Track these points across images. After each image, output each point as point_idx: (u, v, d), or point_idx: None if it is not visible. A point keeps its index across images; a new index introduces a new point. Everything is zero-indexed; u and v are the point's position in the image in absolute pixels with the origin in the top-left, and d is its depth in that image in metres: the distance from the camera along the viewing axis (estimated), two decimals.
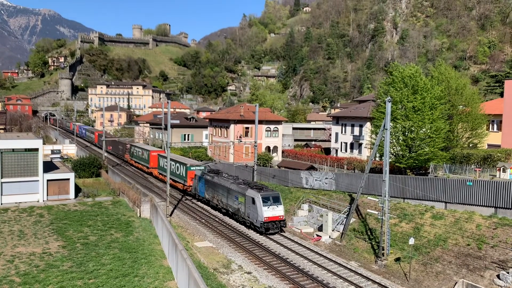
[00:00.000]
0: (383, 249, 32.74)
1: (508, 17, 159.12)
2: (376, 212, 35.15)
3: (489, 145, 52.73)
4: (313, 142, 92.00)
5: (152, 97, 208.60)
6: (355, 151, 67.52)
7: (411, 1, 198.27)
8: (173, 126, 79.05)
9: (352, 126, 68.55)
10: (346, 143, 70.20)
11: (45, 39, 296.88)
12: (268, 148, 76.36)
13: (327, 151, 77.10)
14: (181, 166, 55.49)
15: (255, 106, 52.60)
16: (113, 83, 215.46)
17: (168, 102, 48.61)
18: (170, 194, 47.86)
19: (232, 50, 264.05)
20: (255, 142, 50.77)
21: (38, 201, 43.57)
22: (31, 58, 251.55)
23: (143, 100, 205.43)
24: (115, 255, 29.34)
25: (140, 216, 40.07)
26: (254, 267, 30.34)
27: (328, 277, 28.83)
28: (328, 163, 62.43)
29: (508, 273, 26.32)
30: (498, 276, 26.83)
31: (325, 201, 43.46)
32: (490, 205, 32.64)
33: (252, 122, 66.49)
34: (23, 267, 26.84)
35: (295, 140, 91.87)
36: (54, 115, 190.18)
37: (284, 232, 39.57)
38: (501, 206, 31.88)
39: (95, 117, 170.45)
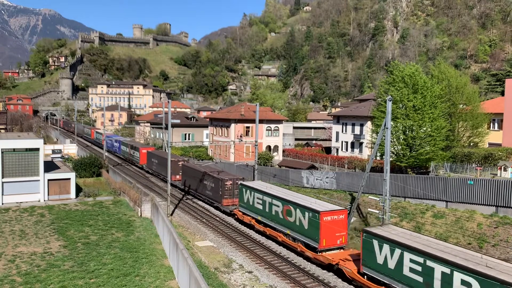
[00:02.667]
0: None
1: (509, 15, 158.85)
2: (377, 211, 35.13)
3: (490, 144, 52.69)
4: (313, 141, 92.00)
5: (153, 96, 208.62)
6: (356, 150, 67.49)
7: (411, 0, 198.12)
8: (174, 125, 79.06)
9: (353, 125, 68.51)
10: (346, 142, 70.16)
11: (45, 39, 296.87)
12: (268, 147, 76.36)
13: (328, 150, 77.09)
14: None
15: (256, 105, 52.56)
16: (113, 82, 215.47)
17: (168, 102, 48.60)
18: (171, 194, 47.86)
19: (232, 49, 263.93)
20: (255, 141, 50.74)
21: (39, 201, 43.63)
22: (32, 58, 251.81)
23: (143, 99, 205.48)
24: (116, 254, 29.36)
25: (141, 215, 40.10)
26: (255, 266, 30.34)
27: (329, 277, 28.82)
28: (329, 162, 62.41)
29: None
30: None
31: (326, 200, 43.43)
32: (491, 204, 32.63)
33: (253, 121, 66.47)
34: (24, 266, 26.87)
35: (296, 139, 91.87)
36: (54, 115, 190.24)
37: None
38: (502, 205, 31.87)
39: (95, 117, 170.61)
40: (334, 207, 32.01)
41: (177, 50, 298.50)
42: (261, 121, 71.33)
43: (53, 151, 77.33)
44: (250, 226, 38.90)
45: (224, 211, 44.23)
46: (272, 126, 77.01)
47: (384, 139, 33.77)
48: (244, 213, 40.02)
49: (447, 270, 20.36)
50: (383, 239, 24.36)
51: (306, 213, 31.00)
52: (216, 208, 45.80)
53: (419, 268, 21.89)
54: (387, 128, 32.36)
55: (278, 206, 34.36)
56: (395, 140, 42.82)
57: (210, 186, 46.28)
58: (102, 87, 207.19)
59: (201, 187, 48.64)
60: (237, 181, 43.24)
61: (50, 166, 48.90)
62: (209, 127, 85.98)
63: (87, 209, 41.32)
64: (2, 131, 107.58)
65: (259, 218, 37.11)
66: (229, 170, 58.66)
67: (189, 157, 72.21)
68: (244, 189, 40.15)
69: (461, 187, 34.65)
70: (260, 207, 36.97)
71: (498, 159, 42.16)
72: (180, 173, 56.44)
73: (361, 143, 66.57)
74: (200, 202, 50.13)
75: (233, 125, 73.88)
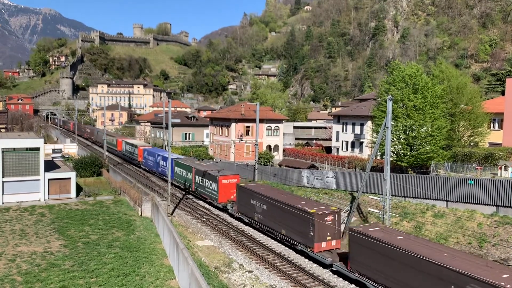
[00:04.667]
0: None
1: (510, 15, 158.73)
2: (377, 211, 35.11)
3: (490, 144, 52.66)
4: (314, 141, 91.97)
5: (153, 96, 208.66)
6: (356, 150, 67.46)
7: None
8: (174, 125, 79.01)
9: (353, 124, 68.47)
10: (347, 142, 70.12)
11: (46, 39, 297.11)
12: (269, 147, 76.34)
13: (328, 149, 77.05)
14: None
15: (256, 105, 52.56)
16: (114, 82, 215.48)
17: (169, 101, 48.63)
18: (171, 193, 47.85)
19: (233, 49, 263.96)
20: (256, 141, 50.75)
21: (39, 200, 43.64)
22: (32, 58, 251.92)
23: (144, 99, 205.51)
24: (116, 254, 29.37)
25: (141, 215, 40.10)
26: (256, 266, 30.34)
27: (329, 276, 28.82)
28: (329, 161, 62.38)
29: None
30: None
31: (326, 200, 43.41)
32: (491, 203, 32.59)
33: (253, 121, 66.46)
34: (24, 266, 26.88)
35: (296, 139, 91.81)
36: (55, 114, 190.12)
37: None
38: (502, 204, 31.84)
39: (96, 116, 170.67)
40: None
41: (177, 49, 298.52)
42: (261, 121, 71.29)
43: (54, 151, 77.28)
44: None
45: None
46: (273, 125, 76.98)
47: (385, 139, 33.73)
48: None
49: None
50: None
51: None
52: None
53: None
54: (388, 127, 32.31)
55: None
56: (395, 139, 42.76)
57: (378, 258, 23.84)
58: (102, 87, 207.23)
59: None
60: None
61: (50, 166, 48.90)
62: (209, 126, 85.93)
63: (88, 209, 41.32)
64: (3, 130, 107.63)
65: None
66: (229, 169, 58.56)
67: (190, 156, 72.05)
68: None
69: (462, 186, 34.62)
70: None
71: (499, 158, 42.10)
72: (328, 238, 31.73)
73: (361, 143, 66.53)
74: (200, 202, 49.73)
75: (233, 124, 73.84)
